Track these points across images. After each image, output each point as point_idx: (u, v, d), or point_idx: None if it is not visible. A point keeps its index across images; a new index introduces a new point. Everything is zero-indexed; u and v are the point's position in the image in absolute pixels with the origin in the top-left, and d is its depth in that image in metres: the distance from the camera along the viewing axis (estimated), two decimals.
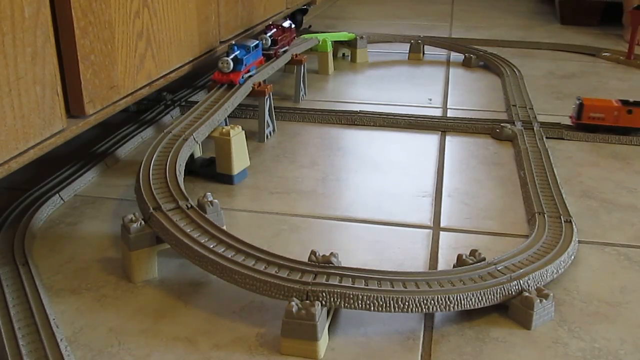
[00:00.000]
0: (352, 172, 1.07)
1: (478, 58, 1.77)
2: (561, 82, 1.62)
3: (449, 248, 0.84)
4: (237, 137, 1.00)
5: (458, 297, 0.66)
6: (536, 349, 0.65)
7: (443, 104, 1.44)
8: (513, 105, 1.36)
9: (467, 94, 1.51)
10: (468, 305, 0.66)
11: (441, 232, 0.88)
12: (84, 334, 0.66)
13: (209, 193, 0.80)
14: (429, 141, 1.21)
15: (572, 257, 0.79)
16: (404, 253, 0.82)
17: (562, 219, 0.85)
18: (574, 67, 1.78)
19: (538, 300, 0.67)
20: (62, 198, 0.95)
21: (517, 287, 0.69)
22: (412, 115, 1.30)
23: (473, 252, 0.75)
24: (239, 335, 0.66)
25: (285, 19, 1.38)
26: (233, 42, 1.14)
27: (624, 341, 0.66)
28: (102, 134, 1.19)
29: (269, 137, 1.21)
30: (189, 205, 0.77)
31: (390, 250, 0.83)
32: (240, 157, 1.01)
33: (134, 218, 0.74)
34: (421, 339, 0.66)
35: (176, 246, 0.71)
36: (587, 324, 0.69)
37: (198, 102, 1.11)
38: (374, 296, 0.64)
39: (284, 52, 1.35)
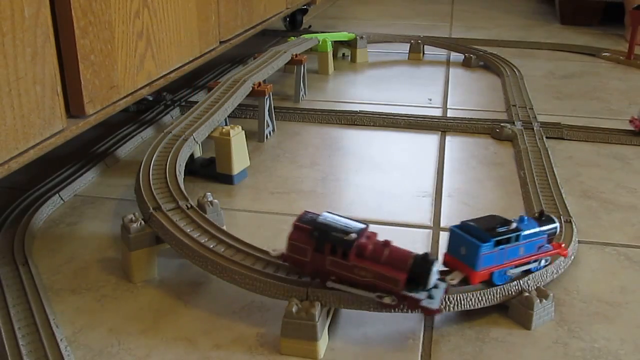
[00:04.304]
0: (352, 172, 1.06)
1: (478, 58, 1.76)
2: (561, 82, 1.62)
3: None
4: (237, 137, 1.00)
5: (458, 297, 0.66)
6: (536, 349, 0.65)
7: (443, 104, 1.44)
8: (513, 105, 1.36)
9: (467, 94, 1.51)
10: (468, 306, 0.66)
11: (441, 232, 0.88)
12: (84, 334, 0.66)
13: (209, 193, 0.80)
14: (429, 141, 1.21)
15: (572, 257, 0.79)
16: None
17: (562, 219, 0.85)
18: (574, 67, 1.78)
19: (538, 300, 0.67)
20: (62, 198, 0.95)
21: (517, 287, 0.69)
22: (412, 115, 1.30)
23: None
24: (239, 335, 0.66)
25: None
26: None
27: (624, 341, 0.66)
28: (102, 134, 1.19)
29: (268, 137, 1.21)
30: (189, 205, 0.77)
31: None
32: (240, 157, 1.01)
33: (134, 218, 0.74)
34: (421, 339, 0.66)
35: (176, 246, 0.71)
36: (587, 324, 0.69)
37: (198, 102, 1.11)
38: None
39: None
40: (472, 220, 0.69)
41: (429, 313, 0.62)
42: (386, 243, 0.63)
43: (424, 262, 0.61)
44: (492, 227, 0.67)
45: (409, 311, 0.63)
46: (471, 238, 0.66)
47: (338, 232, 0.62)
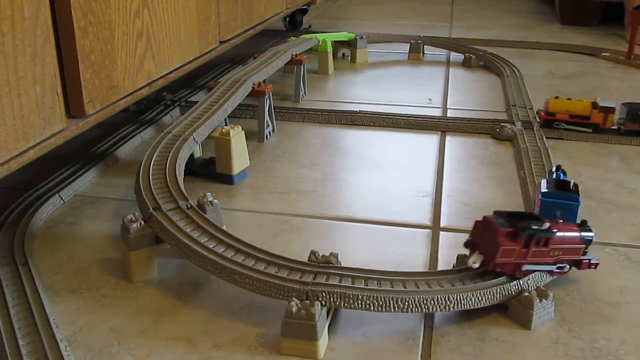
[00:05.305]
0: (352, 172, 1.07)
1: (478, 58, 1.76)
2: (561, 82, 1.62)
3: (449, 248, 0.84)
4: (237, 137, 1.00)
5: (458, 297, 0.66)
6: (536, 349, 0.65)
7: (443, 104, 1.44)
8: (513, 106, 1.36)
9: (467, 94, 1.51)
10: (468, 305, 0.66)
11: (441, 232, 0.88)
12: (83, 334, 0.66)
13: (209, 193, 0.80)
14: (428, 141, 1.21)
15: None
16: (404, 253, 0.82)
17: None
18: (574, 67, 1.78)
19: (538, 300, 0.67)
20: (62, 198, 0.95)
21: (517, 287, 0.69)
22: (412, 115, 1.30)
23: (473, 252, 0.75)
24: (239, 335, 0.66)
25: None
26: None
27: (624, 341, 0.66)
28: (102, 134, 1.19)
29: (268, 137, 1.21)
30: (189, 205, 0.77)
31: (390, 250, 0.83)
32: (240, 157, 1.01)
33: (133, 218, 0.74)
34: (421, 339, 0.66)
35: (176, 246, 0.71)
36: (587, 324, 0.69)
37: (198, 102, 1.11)
38: (373, 296, 0.64)
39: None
40: (546, 187, 0.81)
41: (596, 267, 0.73)
42: (557, 221, 0.72)
43: (589, 229, 0.72)
44: (568, 187, 0.80)
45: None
46: (566, 201, 0.79)
47: (535, 224, 0.68)
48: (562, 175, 0.87)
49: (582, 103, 1.21)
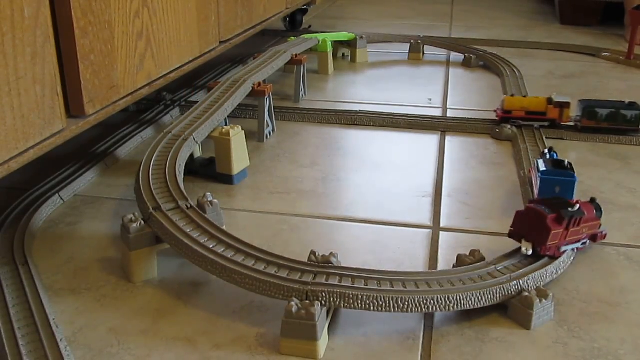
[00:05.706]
0: (352, 172, 1.07)
1: (478, 58, 1.76)
2: (561, 82, 1.62)
3: (449, 248, 0.84)
4: (237, 137, 1.00)
5: (458, 297, 0.66)
6: (536, 349, 0.65)
7: (443, 104, 1.44)
8: None
9: (467, 94, 1.51)
10: (468, 305, 0.66)
11: (441, 232, 0.88)
12: (83, 334, 0.66)
13: (209, 193, 0.80)
14: (428, 141, 1.21)
15: (572, 257, 0.79)
16: (404, 253, 0.82)
17: None
18: (574, 67, 1.78)
19: (538, 300, 0.67)
20: (62, 198, 0.95)
21: (517, 287, 0.69)
22: (412, 115, 1.30)
23: (473, 252, 0.75)
24: (239, 335, 0.66)
25: None
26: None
27: (624, 341, 0.66)
28: (102, 134, 1.19)
29: (268, 137, 1.21)
30: (189, 205, 0.77)
31: (390, 250, 0.83)
32: (240, 157, 1.02)
33: (133, 218, 0.74)
34: (421, 339, 0.66)
35: (176, 246, 0.71)
36: (587, 324, 0.69)
37: (198, 102, 1.11)
38: (373, 296, 0.64)
39: None
40: (545, 166, 0.88)
41: (605, 237, 0.81)
42: (577, 201, 0.75)
43: (598, 205, 0.79)
44: (564, 166, 0.88)
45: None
46: (564, 177, 0.86)
47: (571, 207, 0.73)
48: (555, 155, 0.92)
49: (537, 99, 1.22)
